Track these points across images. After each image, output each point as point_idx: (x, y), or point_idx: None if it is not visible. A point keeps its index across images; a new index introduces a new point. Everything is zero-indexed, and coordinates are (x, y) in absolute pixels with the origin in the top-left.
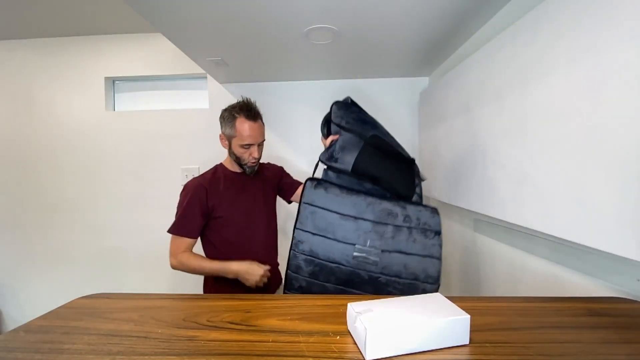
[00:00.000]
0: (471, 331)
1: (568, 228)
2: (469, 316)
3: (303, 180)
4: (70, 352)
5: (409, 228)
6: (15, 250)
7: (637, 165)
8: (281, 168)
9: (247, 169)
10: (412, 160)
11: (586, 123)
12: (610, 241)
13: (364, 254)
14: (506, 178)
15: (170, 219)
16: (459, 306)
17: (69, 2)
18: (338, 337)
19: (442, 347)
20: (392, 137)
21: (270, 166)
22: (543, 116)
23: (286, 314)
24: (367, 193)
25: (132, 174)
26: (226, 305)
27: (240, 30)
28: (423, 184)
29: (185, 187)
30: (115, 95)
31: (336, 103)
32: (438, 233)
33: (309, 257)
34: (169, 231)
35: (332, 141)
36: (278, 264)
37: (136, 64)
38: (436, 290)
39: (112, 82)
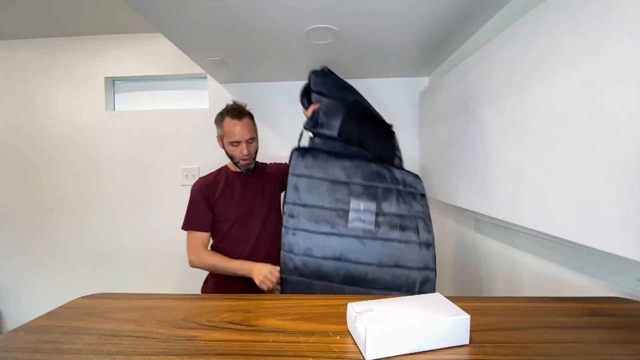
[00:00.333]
0: (471, 331)
1: (568, 228)
2: (469, 316)
3: None
4: (70, 352)
5: (398, 191)
6: (15, 250)
7: (637, 165)
8: (286, 165)
9: (241, 167)
10: (390, 125)
11: (586, 123)
12: (610, 241)
13: (360, 222)
14: (506, 178)
15: (171, 218)
16: (459, 306)
17: (69, 2)
18: (338, 337)
19: (442, 347)
20: (369, 104)
21: (274, 165)
22: (543, 116)
23: (286, 314)
24: (355, 157)
25: (132, 174)
26: (226, 305)
27: (240, 30)
28: (423, 184)
29: (192, 187)
30: (115, 95)
31: (314, 72)
32: (424, 196)
33: (302, 231)
34: (183, 227)
35: (314, 110)
36: None
37: (136, 64)
38: (431, 248)
39: (112, 82)
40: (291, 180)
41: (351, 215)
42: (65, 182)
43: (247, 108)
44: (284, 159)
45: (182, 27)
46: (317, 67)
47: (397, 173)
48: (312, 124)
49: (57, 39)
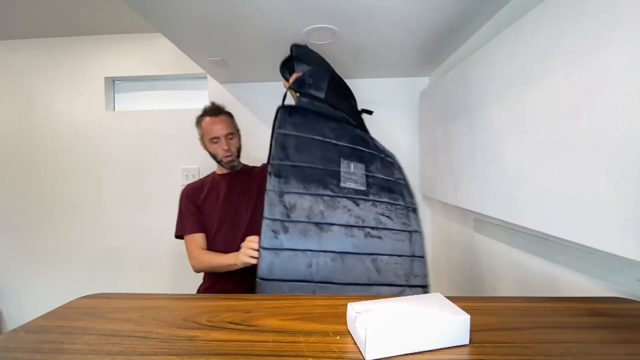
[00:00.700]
0: (471, 331)
1: (568, 228)
2: (469, 316)
3: None
4: (70, 352)
5: (380, 157)
6: (15, 250)
7: (638, 165)
8: None
9: (225, 165)
10: (362, 109)
11: (586, 123)
12: (610, 241)
13: (352, 182)
14: (506, 178)
15: (171, 218)
16: (459, 306)
17: (69, 2)
18: (338, 337)
19: (442, 347)
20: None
21: (262, 165)
22: (543, 116)
23: (286, 314)
24: (341, 120)
25: (132, 173)
26: (226, 305)
27: (241, 30)
28: (421, 182)
29: (180, 193)
30: (115, 95)
31: (295, 45)
32: (401, 169)
33: (292, 194)
34: (176, 235)
35: (296, 78)
36: None
37: (136, 64)
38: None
39: (112, 82)
40: (277, 138)
41: (342, 175)
42: (65, 182)
43: (244, 109)
44: None
45: (182, 27)
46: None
47: (378, 143)
48: (299, 83)
49: (57, 39)
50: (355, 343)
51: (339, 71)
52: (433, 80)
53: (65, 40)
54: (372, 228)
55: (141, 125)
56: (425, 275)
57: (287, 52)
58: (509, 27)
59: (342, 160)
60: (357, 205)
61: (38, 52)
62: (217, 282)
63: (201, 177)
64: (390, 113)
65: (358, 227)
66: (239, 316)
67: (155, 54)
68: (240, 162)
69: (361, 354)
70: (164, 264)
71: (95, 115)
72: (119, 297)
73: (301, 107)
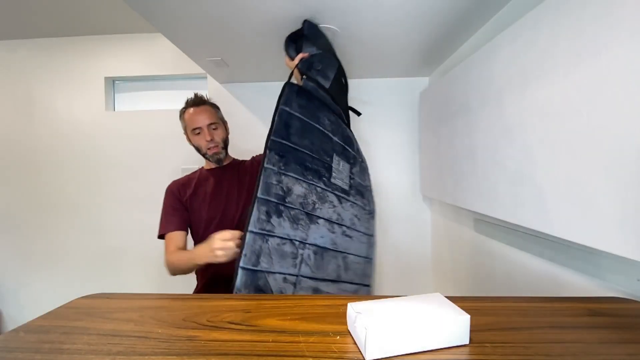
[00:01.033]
0: (471, 331)
1: (568, 228)
2: (469, 316)
3: None
4: (70, 352)
5: (359, 161)
6: (15, 250)
7: (637, 165)
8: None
9: (210, 158)
10: (351, 107)
11: (586, 123)
12: (610, 241)
13: (339, 180)
14: (506, 178)
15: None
16: (459, 306)
17: (69, 2)
18: (338, 337)
19: (442, 347)
20: None
21: (252, 158)
22: (543, 116)
23: (286, 314)
24: (338, 115)
25: (132, 173)
26: (226, 305)
27: (240, 30)
28: (421, 182)
29: (165, 189)
30: (115, 95)
31: (309, 21)
32: (369, 174)
33: (290, 177)
34: (158, 236)
35: (302, 58)
36: None
37: (136, 64)
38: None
39: (112, 82)
40: (282, 114)
41: (333, 170)
42: (65, 182)
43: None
44: None
45: (182, 27)
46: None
47: (358, 146)
48: (307, 66)
49: (57, 39)
50: (355, 343)
51: None
52: (433, 80)
53: (65, 40)
54: (347, 227)
55: (141, 125)
56: (371, 277)
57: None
58: (509, 28)
59: (334, 155)
60: (340, 203)
61: (38, 52)
62: (207, 284)
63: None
64: (390, 113)
65: (338, 224)
66: (239, 316)
67: (155, 54)
68: (229, 156)
69: (361, 354)
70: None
71: (95, 115)
72: (119, 297)
73: (307, 90)
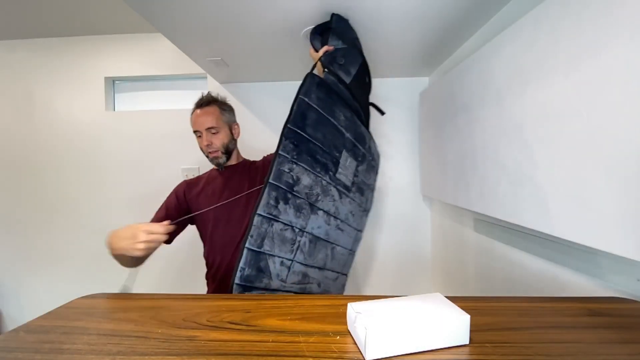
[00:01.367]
0: (471, 331)
1: (568, 228)
2: (469, 316)
3: None
4: (70, 352)
5: (368, 160)
6: (15, 250)
7: (637, 165)
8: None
9: (211, 162)
10: (372, 103)
11: (586, 123)
12: (610, 241)
13: (344, 176)
14: (506, 178)
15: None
16: (459, 306)
17: (69, 2)
18: (338, 337)
19: (442, 347)
20: None
21: (263, 158)
22: (543, 116)
23: (286, 314)
24: (355, 112)
25: (132, 173)
26: (226, 305)
27: (240, 31)
28: (421, 182)
29: None
30: (115, 95)
31: (338, 15)
32: (377, 173)
33: (300, 166)
34: None
35: (326, 51)
36: None
37: (136, 64)
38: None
39: (112, 82)
40: (301, 104)
41: (340, 166)
42: (65, 182)
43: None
44: None
45: (182, 27)
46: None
47: (372, 144)
48: (330, 59)
49: (57, 39)
50: (355, 343)
51: None
52: (433, 80)
53: (65, 40)
54: (341, 221)
55: (141, 125)
56: (350, 267)
57: (287, 52)
58: (509, 28)
59: (344, 151)
60: (340, 198)
61: (38, 52)
62: (217, 289)
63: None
64: (390, 113)
65: (334, 217)
66: (239, 316)
67: (155, 54)
68: (239, 156)
69: (361, 354)
70: (164, 264)
71: (95, 115)
72: (119, 297)
73: (327, 84)
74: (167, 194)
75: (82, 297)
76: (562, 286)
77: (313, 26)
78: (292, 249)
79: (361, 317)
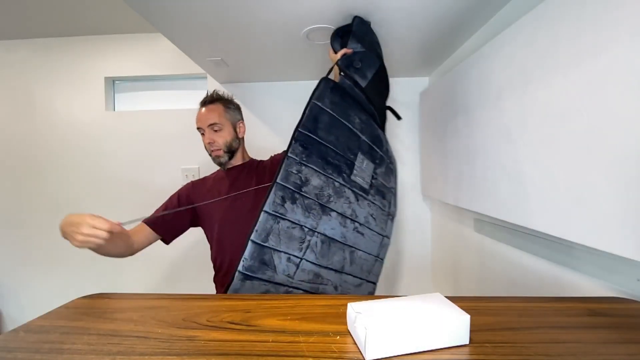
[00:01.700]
0: (471, 331)
1: (568, 228)
2: (469, 316)
3: None
4: (70, 352)
5: (386, 162)
6: (15, 250)
7: (638, 165)
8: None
9: (215, 162)
10: (389, 107)
11: (586, 123)
12: (610, 241)
13: (360, 178)
14: (506, 178)
15: None
16: (459, 306)
17: (69, 2)
18: (338, 337)
19: (442, 347)
20: None
21: (271, 158)
22: (543, 116)
23: (286, 314)
24: (371, 115)
25: (131, 173)
26: (226, 305)
27: (240, 31)
28: (421, 182)
29: None
30: (115, 95)
31: (359, 17)
32: (396, 177)
33: (310, 168)
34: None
35: (344, 54)
36: None
37: (136, 64)
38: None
39: (112, 82)
40: (313, 108)
41: (355, 168)
42: (65, 181)
43: (242, 101)
44: None
45: (182, 26)
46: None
47: (389, 147)
48: (347, 63)
49: (57, 39)
50: (355, 343)
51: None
52: (433, 80)
53: (65, 40)
54: (360, 224)
55: (141, 125)
56: (378, 275)
57: (287, 52)
58: (509, 27)
59: (359, 154)
60: (357, 200)
61: (38, 52)
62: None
63: (201, 176)
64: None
65: (351, 219)
66: (239, 316)
67: (155, 54)
68: (246, 155)
69: (361, 354)
70: (164, 264)
71: (95, 115)
72: (119, 297)
73: (342, 88)
74: (166, 194)
75: (82, 297)
76: (562, 286)
77: (314, 26)
78: (301, 247)
79: (361, 317)
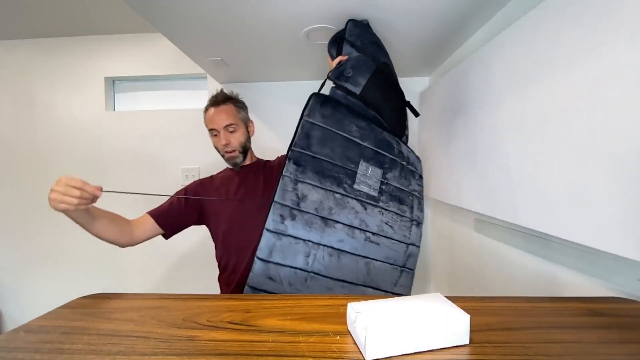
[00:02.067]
0: (471, 331)
1: (568, 228)
2: (469, 316)
3: None
4: (70, 352)
5: (402, 165)
6: (15, 250)
7: (637, 164)
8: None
9: (227, 162)
10: (408, 102)
11: (586, 123)
12: (610, 241)
13: (366, 186)
14: (506, 178)
15: None
16: (459, 306)
17: (69, 2)
18: (338, 337)
19: (442, 347)
20: (395, 72)
21: (277, 159)
22: (543, 116)
23: (286, 314)
24: (371, 120)
25: (131, 173)
26: (226, 305)
27: (240, 31)
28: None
29: None
30: (115, 95)
31: (353, 20)
32: (421, 177)
33: (306, 184)
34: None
35: (340, 61)
36: None
37: (136, 64)
38: (419, 221)
39: (112, 82)
40: (304, 126)
41: (358, 177)
42: None
43: (241, 98)
44: None
45: (182, 27)
46: (352, 18)
47: (404, 149)
48: (337, 74)
49: (57, 39)
50: (355, 343)
51: None
52: (433, 80)
53: (65, 40)
54: (373, 234)
55: (141, 125)
56: (409, 287)
57: (287, 52)
58: (509, 28)
59: (361, 161)
60: (365, 209)
61: (38, 52)
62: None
63: (201, 176)
64: None
65: (360, 229)
66: (239, 316)
67: (155, 54)
68: (253, 156)
69: (361, 354)
70: (165, 264)
71: (95, 115)
72: (119, 297)
73: (334, 99)
74: (166, 194)
75: (82, 297)
76: (562, 286)
77: (314, 26)
78: (307, 260)
79: (361, 317)
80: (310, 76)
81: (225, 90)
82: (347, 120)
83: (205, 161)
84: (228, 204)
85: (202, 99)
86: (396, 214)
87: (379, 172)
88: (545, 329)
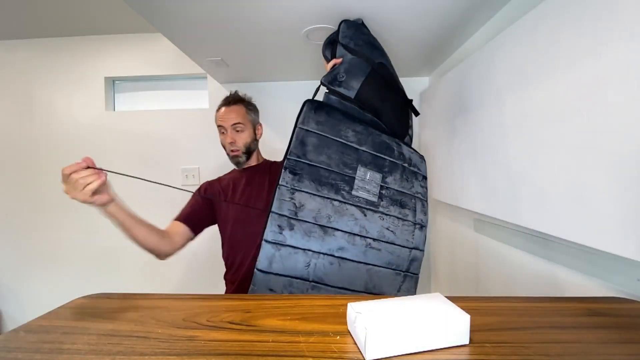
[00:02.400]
0: (471, 331)
1: (568, 228)
2: (469, 316)
3: None
4: (70, 352)
5: (403, 167)
6: (15, 250)
7: (637, 165)
8: None
9: (230, 160)
10: (410, 101)
11: (586, 123)
12: (610, 241)
13: (364, 192)
14: (506, 178)
15: (170, 218)
16: (459, 306)
17: (69, 2)
18: (338, 337)
19: (442, 347)
20: (394, 71)
21: (282, 160)
22: (543, 116)
23: (286, 314)
24: (368, 123)
25: (132, 173)
26: (226, 305)
27: (240, 31)
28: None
29: None
30: (115, 95)
31: (346, 21)
32: (425, 178)
33: (302, 192)
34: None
35: (334, 65)
36: None
37: (136, 64)
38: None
39: (112, 82)
40: (298, 134)
41: (356, 183)
42: None
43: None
44: None
45: (182, 26)
46: (352, 17)
47: (405, 150)
48: (330, 79)
49: (57, 39)
50: (355, 343)
51: None
52: (433, 80)
53: (65, 40)
54: (374, 240)
55: (141, 125)
56: (412, 291)
57: (287, 52)
58: (509, 27)
59: (359, 167)
60: (365, 215)
61: (38, 52)
62: (236, 291)
63: (202, 176)
64: None
65: (361, 236)
66: (239, 316)
67: (155, 54)
68: (260, 156)
69: (361, 354)
70: (164, 264)
71: (95, 115)
72: (119, 297)
73: (328, 105)
74: (166, 194)
75: (82, 297)
76: (562, 286)
77: (314, 26)
78: (307, 270)
79: (361, 317)
80: (310, 76)
81: (240, 93)
82: (343, 125)
83: (205, 161)
84: (234, 205)
85: (202, 99)
86: (398, 218)
87: (378, 176)
88: (545, 329)
